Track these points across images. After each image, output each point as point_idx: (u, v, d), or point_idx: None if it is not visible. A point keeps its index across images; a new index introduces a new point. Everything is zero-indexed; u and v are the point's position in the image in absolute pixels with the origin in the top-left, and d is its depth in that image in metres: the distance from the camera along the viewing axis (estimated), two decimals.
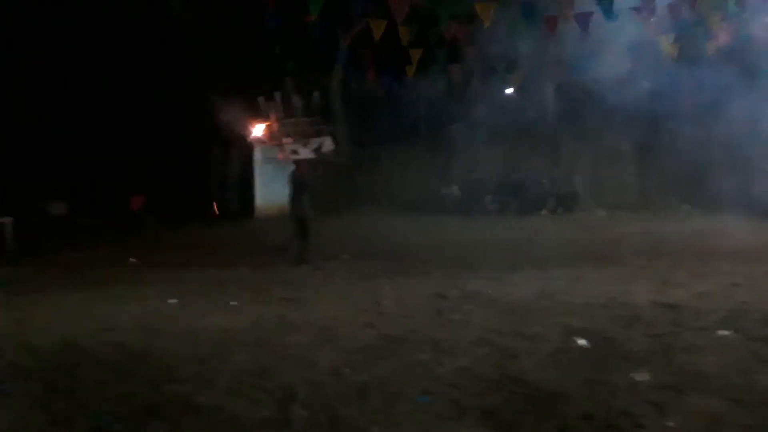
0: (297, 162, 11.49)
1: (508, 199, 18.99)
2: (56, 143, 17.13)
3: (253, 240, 13.81)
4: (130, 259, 11.27)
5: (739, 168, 16.37)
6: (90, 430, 3.91)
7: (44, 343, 5.69)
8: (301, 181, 10.44)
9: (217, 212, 18.80)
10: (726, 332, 5.55)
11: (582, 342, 5.32)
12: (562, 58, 18.85)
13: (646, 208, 17.52)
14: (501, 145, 20.25)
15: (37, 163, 16.56)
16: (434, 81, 18.61)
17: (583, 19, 11.42)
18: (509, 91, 21.31)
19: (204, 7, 17.83)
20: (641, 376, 4.47)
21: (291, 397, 4.26)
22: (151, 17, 16.36)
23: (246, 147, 18.78)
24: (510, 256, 10.49)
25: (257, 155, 18.84)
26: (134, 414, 4.07)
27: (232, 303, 7.27)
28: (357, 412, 4.02)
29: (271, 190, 19.01)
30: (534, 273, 8.76)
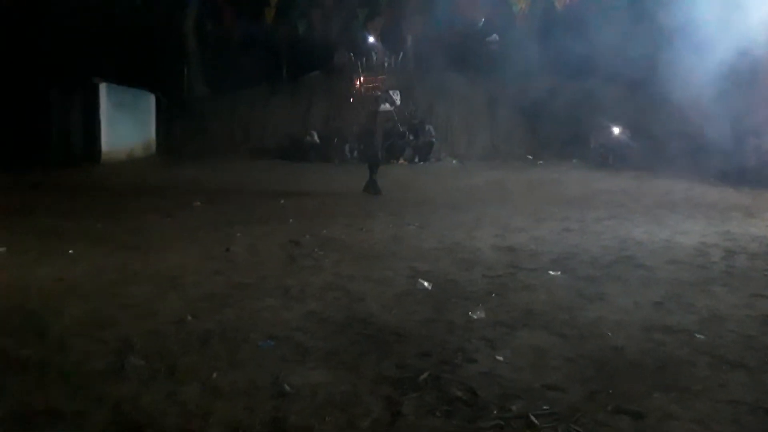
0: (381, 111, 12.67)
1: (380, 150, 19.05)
2: None
3: (97, 186, 12.94)
4: None
5: (580, 120, 17.51)
6: None
7: None
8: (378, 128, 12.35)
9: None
10: (556, 273, 5.99)
11: (426, 284, 5.53)
12: (421, 9, 19.08)
13: (495, 158, 18.35)
14: None
15: None
16: (294, 25, 18.16)
17: None
18: (371, 39, 21.28)
19: None
20: (477, 315, 4.73)
21: (128, 348, 4.10)
22: None
23: (90, 88, 17.31)
24: (365, 203, 10.63)
25: (102, 98, 17.45)
26: None
27: (69, 251, 6.80)
28: (198, 360, 3.94)
29: (117, 134, 17.83)
30: (388, 220, 8.94)
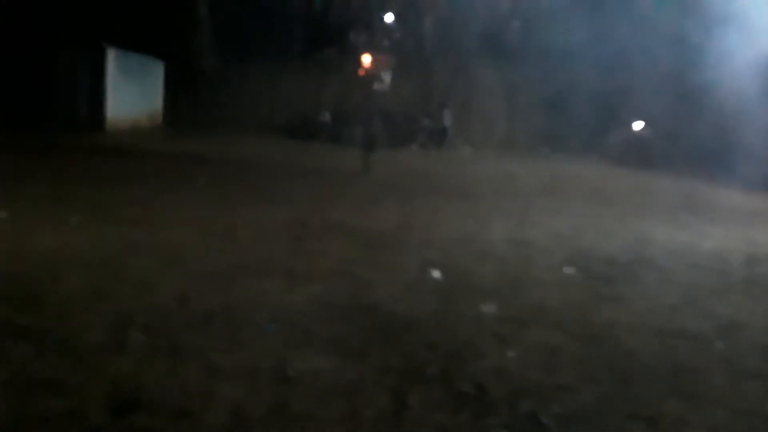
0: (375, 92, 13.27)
1: (379, 130, 18.93)
2: None
3: (102, 153, 12.82)
4: None
5: (605, 114, 17.25)
6: None
7: None
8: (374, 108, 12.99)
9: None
10: (570, 270, 5.85)
11: (436, 274, 5.40)
12: None
13: (511, 149, 18.16)
14: None
15: None
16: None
17: None
18: (389, 18, 21.00)
19: None
20: (488, 308, 4.61)
21: (128, 322, 3.98)
22: None
23: (98, 53, 17.08)
24: (375, 188, 10.50)
25: (110, 63, 17.23)
26: None
27: (71, 220, 6.67)
28: (200, 339, 3.83)
29: (123, 102, 17.65)
30: (398, 206, 8.82)
